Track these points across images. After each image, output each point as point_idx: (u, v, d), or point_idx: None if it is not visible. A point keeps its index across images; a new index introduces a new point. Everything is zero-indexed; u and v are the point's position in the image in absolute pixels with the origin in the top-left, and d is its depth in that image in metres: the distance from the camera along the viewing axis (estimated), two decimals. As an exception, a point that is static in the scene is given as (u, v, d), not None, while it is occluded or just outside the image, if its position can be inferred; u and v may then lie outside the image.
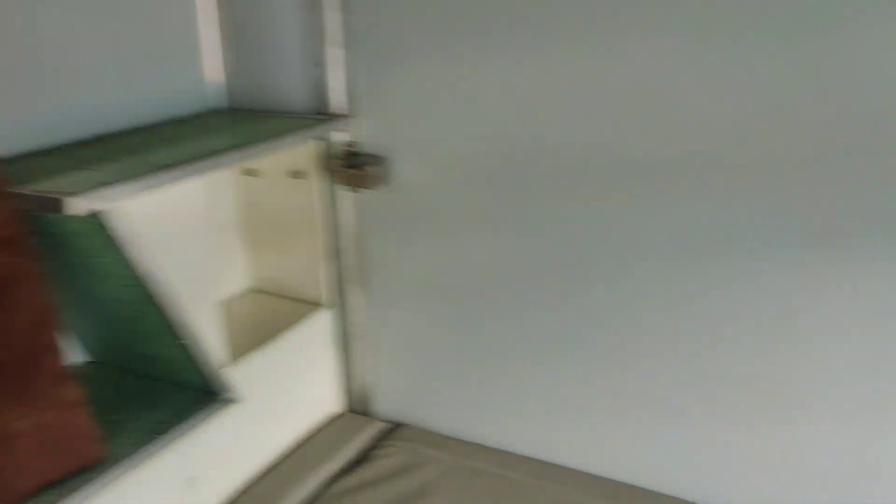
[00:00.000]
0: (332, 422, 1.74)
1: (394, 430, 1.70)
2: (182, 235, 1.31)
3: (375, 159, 1.53)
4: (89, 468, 1.14)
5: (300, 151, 1.58)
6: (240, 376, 1.39)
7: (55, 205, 1.03)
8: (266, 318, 1.67)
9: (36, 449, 1.10)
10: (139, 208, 1.15)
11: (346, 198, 1.61)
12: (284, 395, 1.62)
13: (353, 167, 1.54)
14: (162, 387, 1.34)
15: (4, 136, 1.23)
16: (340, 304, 1.70)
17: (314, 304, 1.70)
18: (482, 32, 1.35)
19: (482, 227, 1.49)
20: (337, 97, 1.54)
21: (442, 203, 1.51)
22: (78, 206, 1.03)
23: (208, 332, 1.33)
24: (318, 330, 1.69)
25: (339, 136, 1.56)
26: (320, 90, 1.55)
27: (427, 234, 1.55)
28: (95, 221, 1.09)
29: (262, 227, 1.72)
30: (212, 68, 1.65)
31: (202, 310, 1.33)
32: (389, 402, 1.75)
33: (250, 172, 1.67)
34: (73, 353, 1.38)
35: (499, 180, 1.44)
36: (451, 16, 1.38)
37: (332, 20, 1.49)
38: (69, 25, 1.35)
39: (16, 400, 1.07)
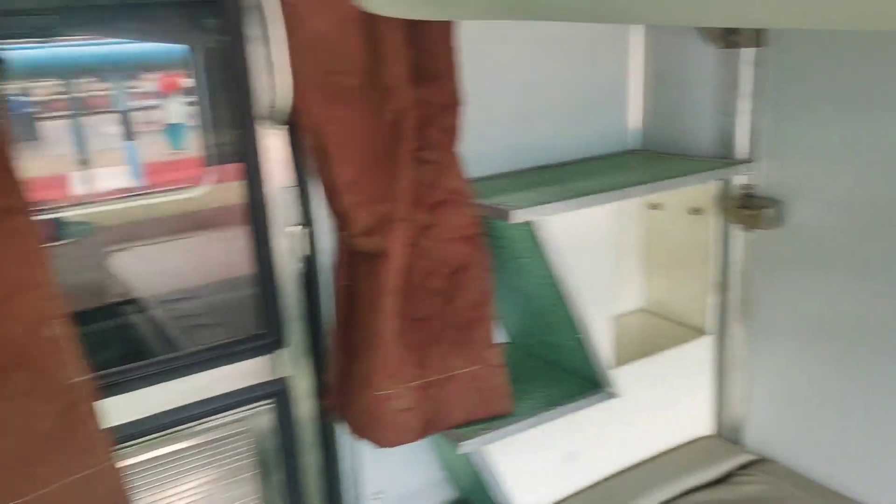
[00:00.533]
0: (700, 442, 1.87)
1: (759, 462, 1.76)
2: (591, 252, 1.59)
3: (771, 202, 1.64)
4: (499, 417, 1.48)
5: (701, 191, 1.76)
6: (623, 378, 1.62)
7: (503, 214, 1.39)
8: (652, 336, 1.87)
9: (466, 391, 1.48)
10: (561, 224, 1.47)
11: (739, 236, 1.74)
12: (660, 406, 1.80)
13: (748, 208, 1.67)
14: (558, 371, 1.64)
15: (475, 163, 1.65)
16: (722, 334, 1.83)
17: (697, 331, 1.85)
18: (887, 86, 1.39)
19: (879, 272, 1.49)
20: (741, 143, 1.69)
21: (837, 246, 1.55)
22: (519, 216, 1.38)
23: (601, 335, 1.59)
24: (697, 354, 1.84)
25: (739, 179, 1.70)
26: (726, 136, 1.72)
27: (818, 276, 1.60)
28: (528, 230, 1.43)
29: (659, 256, 1.93)
30: (634, 114, 1.93)
31: (598, 316, 1.60)
32: (759, 434, 1.81)
33: (655, 206, 1.90)
34: (498, 333, 1.77)
35: (898, 228, 1.44)
36: (857, 72, 1.44)
37: (745, 74, 1.65)
38: (531, 79, 1.74)
39: (459, 352, 1.47)
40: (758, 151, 1.67)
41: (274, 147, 1.52)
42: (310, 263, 1.59)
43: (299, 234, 1.56)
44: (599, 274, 1.61)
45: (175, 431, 1.54)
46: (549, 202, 1.42)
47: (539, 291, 1.55)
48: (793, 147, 1.60)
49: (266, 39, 1.42)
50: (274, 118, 1.46)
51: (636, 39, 1.87)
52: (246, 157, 1.51)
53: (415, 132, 1.42)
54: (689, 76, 1.78)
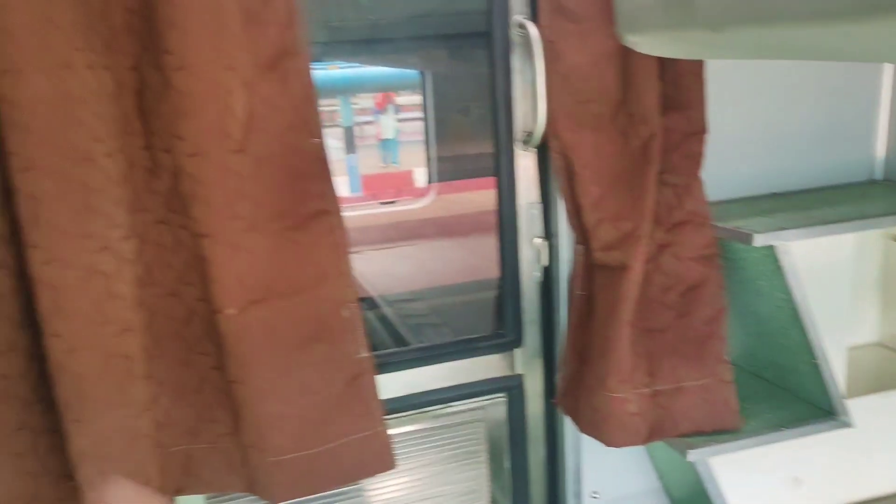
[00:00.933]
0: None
1: None
2: (829, 280, 1.60)
3: None
4: (726, 432, 1.54)
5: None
6: (856, 409, 1.60)
7: (745, 238, 1.45)
8: (888, 370, 1.82)
9: (695, 403, 1.55)
10: (802, 250, 1.50)
11: None
12: (894, 442, 1.75)
13: None
14: (786, 395, 1.66)
15: (713, 186, 1.71)
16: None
17: (940, 371, 1.77)
18: None
19: None
20: None
21: None
22: (761, 241, 1.43)
23: (836, 363, 1.59)
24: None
25: None
26: None
27: None
28: (769, 254, 1.48)
29: (900, 290, 1.87)
30: (881, 144, 1.89)
31: (833, 344, 1.60)
32: None
33: (896, 238, 1.85)
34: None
35: None
36: None
37: None
38: (775, 107, 1.78)
39: (690, 364, 1.55)
40: None
41: (524, 166, 1.69)
42: (548, 273, 1.75)
43: (541, 246, 1.72)
44: (836, 302, 1.61)
45: (423, 412, 1.77)
46: (791, 228, 1.46)
47: (774, 315, 1.59)
48: None
49: (527, 71, 1.60)
50: (527, 141, 1.63)
51: (889, 68, 1.84)
52: (500, 174, 1.70)
53: (660, 157, 1.52)
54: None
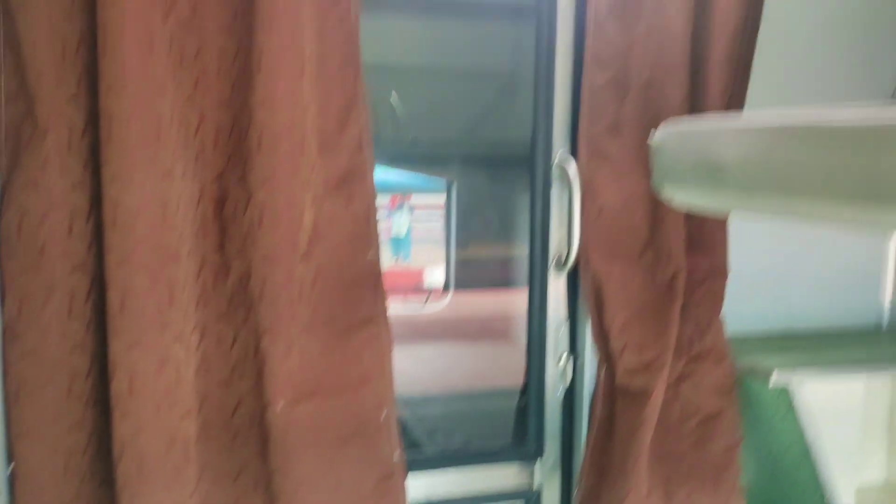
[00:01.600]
0: None
1: None
2: (840, 419, 1.69)
3: None
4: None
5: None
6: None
7: (763, 376, 1.55)
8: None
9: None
10: (815, 390, 1.60)
11: None
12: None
13: None
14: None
15: (730, 322, 1.82)
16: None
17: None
18: None
19: None
20: None
21: None
22: (778, 380, 1.54)
23: (846, 501, 1.66)
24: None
25: None
26: None
27: None
28: (785, 392, 1.58)
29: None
30: (885, 293, 2.01)
31: (843, 483, 1.67)
32: None
33: (905, 384, 1.94)
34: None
35: None
36: None
37: None
38: (791, 250, 1.91)
39: (705, 492, 1.64)
40: None
41: (555, 286, 1.82)
42: (572, 389, 1.84)
43: (566, 362, 1.82)
44: (847, 442, 1.69)
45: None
46: (806, 369, 1.57)
47: (786, 451, 1.67)
48: None
49: (564, 202, 1.75)
50: (560, 264, 1.77)
51: (898, 222, 1.98)
52: (533, 293, 1.82)
53: (683, 293, 1.65)
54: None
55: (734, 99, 1.68)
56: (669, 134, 1.33)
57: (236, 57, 1.39)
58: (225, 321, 1.46)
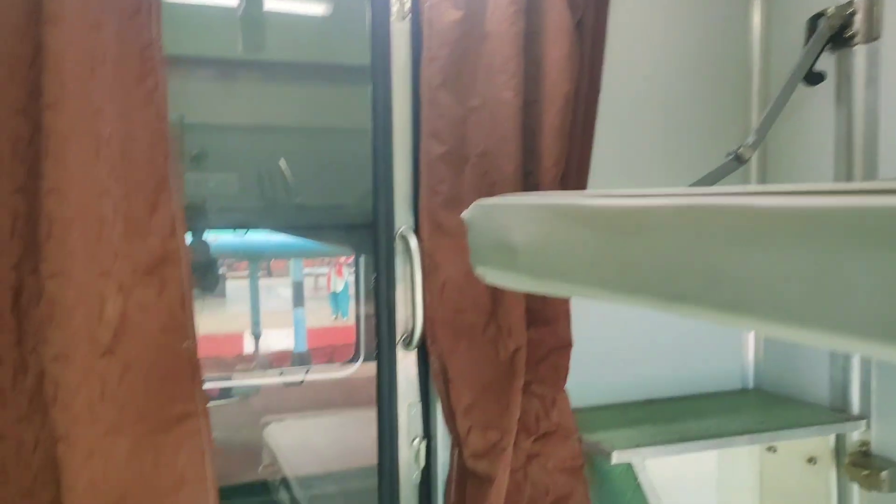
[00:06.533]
0: None
1: None
2: (696, 494, 1.64)
3: (885, 462, 1.62)
4: None
5: (816, 440, 1.76)
6: None
7: (605, 454, 1.49)
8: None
9: None
10: (664, 466, 1.54)
11: (859, 493, 1.70)
12: None
13: (863, 466, 1.65)
14: None
15: (581, 394, 1.75)
16: None
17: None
18: None
19: None
20: (855, 399, 1.70)
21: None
22: (619, 458, 1.48)
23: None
24: None
25: (855, 435, 1.70)
26: (840, 390, 1.74)
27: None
28: (629, 470, 1.52)
29: (777, 501, 1.90)
30: (748, 354, 1.99)
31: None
32: None
33: (770, 449, 1.91)
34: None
35: None
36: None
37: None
38: (642, 317, 1.88)
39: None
40: (871, 410, 1.67)
41: (405, 366, 1.74)
42: (427, 474, 1.75)
43: (419, 447, 1.73)
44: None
45: None
46: (650, 444, 1.51)
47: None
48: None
49: (409, 278, 1.69)
50: (408, 343, 1.69)
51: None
52: (381, 374, 1.74)
53: (527, 368, 1.59)
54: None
55: (575, 169, 1.66)
56: (477, 212, 1.29)
57: (31, 141, 1.30)
58: (25, 424, 1.33)
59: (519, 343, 1.57)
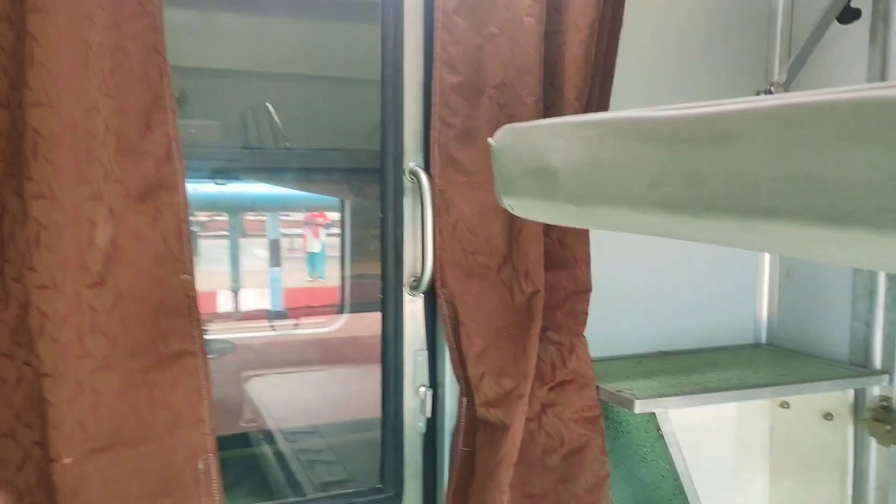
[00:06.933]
0: None
1: None
2: (714, 447, 1.58)
3: (910, 418, 1.57)
4: None
5: (834, 395, 1.71)
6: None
7: (627, 403, 1.42)
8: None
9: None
10: (685, 417, 1.48)
11: (876, 449, 1.66)
12: None
13: (885, 422, 1.60)
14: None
15: (599, 344, 1.68)
16: (854, 552, 1.71)
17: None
18: None
19: None
20: (877, 352, 1.65)
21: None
22: (643, 407, 1.40)
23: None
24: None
25: (875, 390, 1.64)
26: (861, 344, 1.68)
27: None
28: (651, 420, 1.45)
29: (785, 458, 1.86)
30: (763, 308, 1.93)
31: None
32: None
33: (783, 405, 1.85)
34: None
35: None
36: None
37: (883, 284, 1.64)
38: (660, 267, 1.80)
39: None
40: (893, 363, 1.62)
41: (412, 311, 1.65)
42: (433, 424, 1.67)
43: (426, 395, 1.65)
44: (722, 470, 1.58)
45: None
46: (674, 395, 1.44)
47: (658, 482, 1.54)
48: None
49: (418, 218, 1.59)
50: (416, 286, 1.60)
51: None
52: (386, 318, 1.65)
53: (544, 314, 1.50)
54: (823, 279, 1.79)
55: (596, 102, 1.56)
56: (507, 136, 1.19)
57: (15, 50, 1.17)
58: (6, 359, 1.23)
59: (537, 286, 1.49)
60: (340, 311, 4.59)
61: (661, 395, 1.43)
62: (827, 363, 1.73)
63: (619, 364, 1.70)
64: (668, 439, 1.44)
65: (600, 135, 0.92)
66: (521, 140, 1.12)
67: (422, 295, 1.63)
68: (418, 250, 1.60)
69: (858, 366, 1.68)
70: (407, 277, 1.62)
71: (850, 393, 1.68)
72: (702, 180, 0.76)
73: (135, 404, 1.27)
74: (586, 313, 1.53)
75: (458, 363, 1.55)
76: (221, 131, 2.93)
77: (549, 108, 1.52)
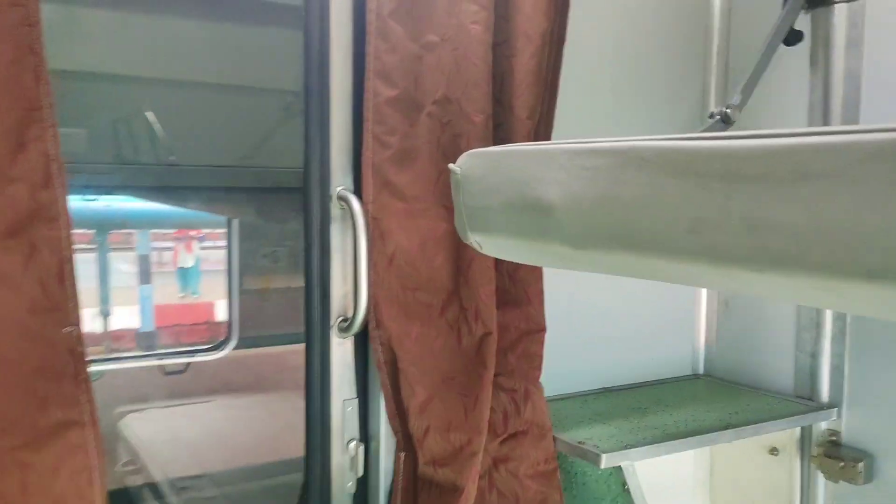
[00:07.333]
0: None
1: None
2: (673, 493, 1.47)
3: (859, 453, 1.53)
4: None
5: (780, 429, 1.65)
6: None
7: (593, 458, 1.28)
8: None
9: None
10: (647, 468, 1.36)
11: (824, 485, 1.61)
12: None
13: (832, 457, 1.56)
14: None
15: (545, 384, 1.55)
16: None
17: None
18: None
19: None
20: (825, 386, 1.60)
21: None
22: (609, 461, 1.27)
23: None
24: None
25: (822, 424, 1.60)
26: (807, 377, 1.63)
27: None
28: (614, 473, 1.32)
29: (730, 495, 1.78)
30: (699, 339, 1.86)
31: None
32: None
33: (724, 438, 1.79)
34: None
35: None
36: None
37: (828, 317, 1.59)
38: (606, 303, 1.69)
39: None
40: (841, 397, 1.58)
41: (341, 355, 1.44)
42: (365, 483, 1.47)
43: (357, 451, 1.45)
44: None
45: None
46: (638, 444, 1.32)
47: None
48: (881, 397, 1.51)
49: (348, 250, 1.39)
50: (346, 328, 1.40)
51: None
52: (311, 365, 1.43)
53: (496, 358, 1.34)
54: (764, 310, 1.73)
55: (542, 121, 1.43)
56: (474, 162, 1.02)
57: None
58: None
59: (488, 327, 1.32)
60: (227, 339, 4.22)
61: (627, 447, 1.30)
62: (770, 396, 1.67)
63: (564, 405, 1.57)
64: (635, 493, 1.32)
65: (615, 165, 0.77)
66: (495, 168, 0.96)
67: (352, 337, 1.42)
68: (349, 286, 1.40)
69: (804, 399, 1.63)
70: (335, 318, 1.41)
71: (797, 428, 1.63)
72: (768, 228, 0.63)
73: (6, 493, 1.00)
74: (541, 356, 1.39)
75: (396, 414, 1.36)
76: (89, 141, 2.60)
77: (497, 127, 1.37)
